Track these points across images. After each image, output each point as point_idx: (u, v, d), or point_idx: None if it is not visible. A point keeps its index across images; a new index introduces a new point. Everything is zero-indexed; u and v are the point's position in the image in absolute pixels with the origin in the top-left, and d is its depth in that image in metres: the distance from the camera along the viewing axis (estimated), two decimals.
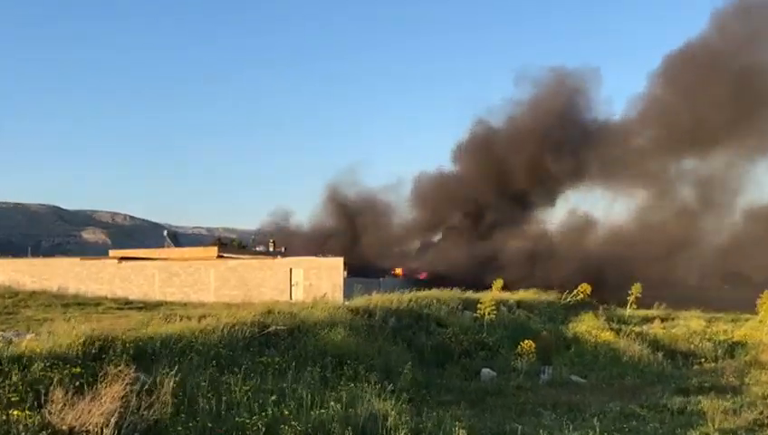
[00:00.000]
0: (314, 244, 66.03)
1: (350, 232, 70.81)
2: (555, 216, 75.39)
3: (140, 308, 32.64)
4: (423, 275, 57.45)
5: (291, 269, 42.32)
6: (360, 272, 47.90)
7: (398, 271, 59.71)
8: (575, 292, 42.03)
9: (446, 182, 73.75)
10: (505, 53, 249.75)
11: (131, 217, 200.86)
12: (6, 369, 11.48)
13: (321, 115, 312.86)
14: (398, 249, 73.28)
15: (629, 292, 39.92)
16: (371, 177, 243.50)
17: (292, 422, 11.84)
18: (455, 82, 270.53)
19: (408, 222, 77.26)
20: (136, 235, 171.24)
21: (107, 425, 10.04)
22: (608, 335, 30.15)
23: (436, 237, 75.85)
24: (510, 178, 67.36)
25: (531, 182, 68.12)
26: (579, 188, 74.12)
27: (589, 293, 41.95)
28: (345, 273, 41.40)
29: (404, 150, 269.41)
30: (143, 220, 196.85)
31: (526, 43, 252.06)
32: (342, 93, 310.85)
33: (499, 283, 41.93)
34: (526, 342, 25.52)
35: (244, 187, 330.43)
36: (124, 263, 48.83)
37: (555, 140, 66.88)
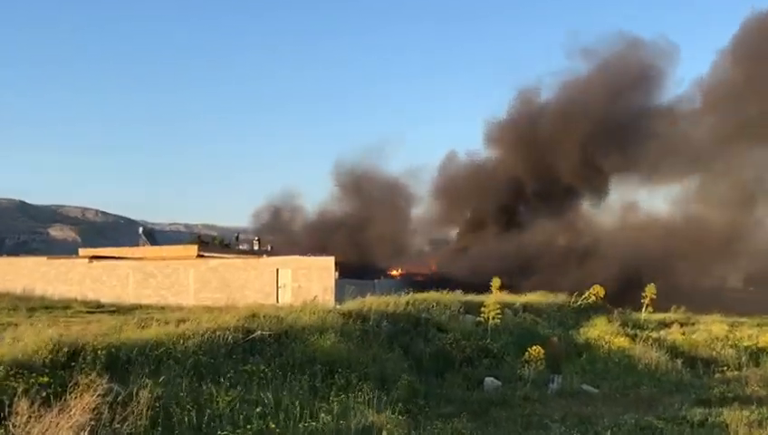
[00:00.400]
0: (316, 235, 65.64)
1: (360, 221, 70.15)
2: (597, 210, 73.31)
3: (113, 312, 32.61)
4: (420, 277, 57.55)
5: (277, 270, 42.27)
6: (353, 273, 47.93)
7: (395, 272, 59.84)
8: (586, 294, 42.03)
9: (476, 170, 72.01)
10: (554, 22, 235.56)
11: (103, 213, 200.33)
12: None
13: (315, 103, 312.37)
14: (413, 242, 72.65)
15: (644, 293, 39.73)
16: (391, 162, 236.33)
17: None
18: (490, 52, 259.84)
19: (429, 213, 76.43)
20: (108, 232, 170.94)
21: None
22: (622, 341, 30.24)
23: (454, 232, 74.95)
24: (553, 167, 65.09)
25: (577, 172, 65.59)
26: (629, 180, 71.56)
27: (602, 295, 41.94)
28: (337, 274, 41.38)
29: (433, 135, 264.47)
30: (116, 216, 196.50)
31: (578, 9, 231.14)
32: (349, 74, 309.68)
33: (497, 283, 41.63)
34: (534, 348, 25.58)
35: (227, 180, 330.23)
36: (95, 262, 48.74)
37: (611, 125, 64.29)
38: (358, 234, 65.96)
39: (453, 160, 77.13)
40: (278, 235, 75.24)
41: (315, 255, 44.66)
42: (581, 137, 63.20)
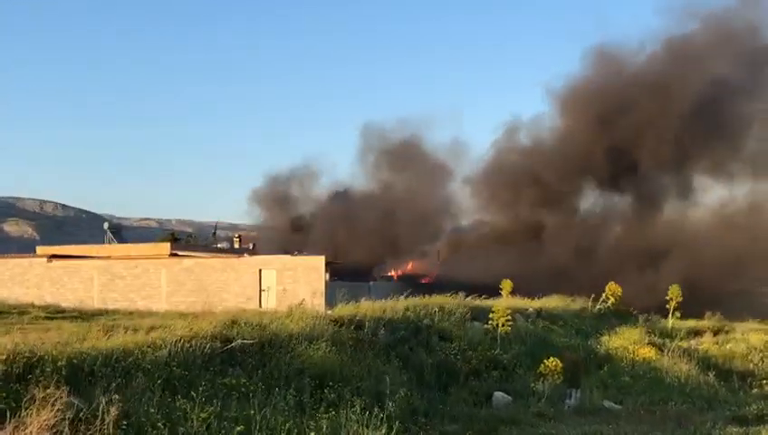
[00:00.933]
0: (336, 215, 65.26)
1: (390, 200, 69.23)
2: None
3: (75, 318, 32.52)
4: (426, 279, 57.52)
5: (260, 270, 42.27)
6: (345, 274, 47.90)
7: (393, 273, 59.86)
8: (603, 296, 41.84)
9: (533, 149, 69.34)
10: None
11: (64, 207, 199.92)
12: None
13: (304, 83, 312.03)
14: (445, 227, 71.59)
15: (668, 297, 39.31)
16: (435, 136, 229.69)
17: None
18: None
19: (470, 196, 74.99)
20: (69, 228, 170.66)
21: None
22: (648, 351, 30.30)
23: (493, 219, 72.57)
24: (632, 148, 61.53)
25: (663, 156, 61.51)
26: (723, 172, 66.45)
27: (620, 296, 41.65)
28: (327, 275, 41.38)
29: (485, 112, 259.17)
30: (78, 210, 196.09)
31: None
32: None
33: (508, 285, 41.39)
34: (549, 359, 25.60)
35: (205, 169, 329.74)
36: (55, 262, 48.66)
37: (704, 100, 60.14)
38: (386, 215, 64.94)
39: (511, 135, 74.26)
40: (279, 218, 74.91)
41: (302, 253, 44.62)
42: (677, 115, 59.50)
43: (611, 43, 73.58)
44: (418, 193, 71.17)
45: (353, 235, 62.18)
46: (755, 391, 26.77)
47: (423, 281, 55.39)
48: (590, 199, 71.27)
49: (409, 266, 66.91)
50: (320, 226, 68.01)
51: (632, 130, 61.17)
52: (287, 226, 74.51)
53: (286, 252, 45.56)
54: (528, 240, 61.74)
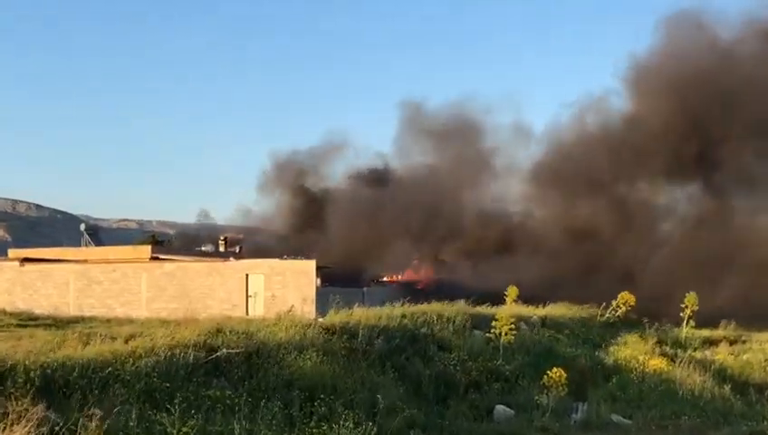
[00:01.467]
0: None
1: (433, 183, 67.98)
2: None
3: (49, 325, 32.50)
4: (421, 285, 57.51)
5: (247, 275, 42.23)
6: (338, 279, 47.92)
7: (388, 278, 59.80)
8: (615, 304, 41.98)
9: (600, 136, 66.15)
10: None
11: (38, 207, 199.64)
12: None
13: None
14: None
15: (683, 305, 39.39)
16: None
17: None
18: None
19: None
20: (43, 229, 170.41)
21: None
22: (659, 363, 30.35)
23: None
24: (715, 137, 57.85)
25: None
26: None
27: (633, 304, 41.81)
28: (318, 280, 41.40)
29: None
30: (53, 211, 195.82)
31: None
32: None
33: (513, 292, 41.50)
34: (555, 370, 25.61)
35: (188, 167, 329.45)
36: (28, 266, 48.62)
37: None
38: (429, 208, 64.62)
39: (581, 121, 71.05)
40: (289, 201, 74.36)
41: (296, 256, 44.55)
42: None
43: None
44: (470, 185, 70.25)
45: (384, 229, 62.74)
46: None
47: (419, 287, 55.27)
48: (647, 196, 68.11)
49: (408, 272, 66.86)
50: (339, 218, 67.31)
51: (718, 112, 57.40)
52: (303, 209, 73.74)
53: (293, 255, 45.10)
54: (569, 241, 60.99)
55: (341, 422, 15.97)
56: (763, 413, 24.81)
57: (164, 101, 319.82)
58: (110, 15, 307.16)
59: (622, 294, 41.97)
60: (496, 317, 29.82)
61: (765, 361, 33.64)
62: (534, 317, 37.23)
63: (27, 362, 14.44)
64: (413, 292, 45.55)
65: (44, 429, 11.40)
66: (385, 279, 62.55)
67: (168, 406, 14.65)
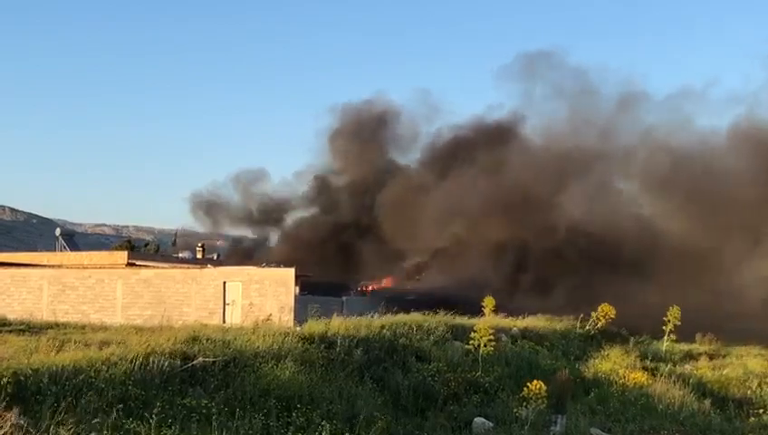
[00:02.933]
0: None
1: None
2: None
3: (23, 331, 32.28)
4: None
5: (224, 283, 42.12)
6: (317, 288, 47.89)
7: (368, 287, 59.77)
8: (595, 316, 42.11)
9: None
10: None
11: (12, 210, 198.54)
12: None
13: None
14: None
15: (666, 318, 39.59)
16: None
17: None
18: None
19: None
20: (18, 233, 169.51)
21: None
22: (640, 376, 30.48)
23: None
24: None
25: None
26: None
27: (613, 316, 41.92)
28: (297, 289, 41.33)
29: None
30: (28, 214, 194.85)
31: None
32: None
33: (490, 303, 41.48)
34: (534, 383, 25.62)
35: (166, 172, 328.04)
36: (1, 270, 48.27)
37: None
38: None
39: None
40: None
41: (271, 265, 44.49)
42: None
43: None
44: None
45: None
46: (753, 420, 26.93)
47: (409, 298, 54.92)
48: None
49: (386, 281, 66.86)
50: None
51: None
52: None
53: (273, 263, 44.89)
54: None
55: (319, 433, 15.92)
56: (742, 429, 24.98)
57: (143, 104, 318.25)
58: (76, 12, 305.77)
59: (602, 306, 42.10)
60: (476, 328, 29.89)
61: (745, 375, 33.82)
62: (514, 329, 37.31)
63: (0, 369, 14.33)
64: (392, 301, 45.45)
65: None
66: (370, 288, 62.53)
67: (144, 414, 14.59)
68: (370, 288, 62.81)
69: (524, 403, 24.81)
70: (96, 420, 13.74)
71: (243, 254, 69.30)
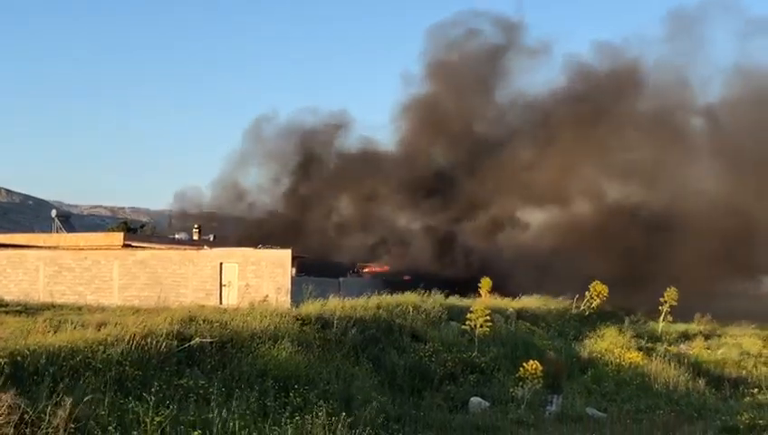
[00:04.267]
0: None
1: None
2: None
3: (19, 312, 32.29)
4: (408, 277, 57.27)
5: (221, 264, 42.08)
6: (314, 269, 47.88)
7: (367, 268, 59.67)
8: (589, 296, 42.01)
9: None
10: None
11: (8, 192, 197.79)
12: None
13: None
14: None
15: (662, 298, 39.63)
16: None
17: None
18: None
19: None
20: (14, 215, 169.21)
21: None
22: (635, 356, 30.57)
23: None
24: None
25: None
26: None
27: (606, 295, 41.84)
28: (294, 270, 41.32)
29: None
30: (24, 196, 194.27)
31: None
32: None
33: (486, 284, 41.52)
34: (530, 363, 25.72)
35: (164, 152, 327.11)
36: None
37: None
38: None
39: None
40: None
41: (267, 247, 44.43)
42: None
43: None
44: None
45: None
46: (747, 399, 26.99)
47: (405, 279, 54.76)
48: None
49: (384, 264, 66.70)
50: None
51: None
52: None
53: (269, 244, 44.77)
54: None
55: (316, 413, 15.97)
56: (737, 408, 25.03)
57: (138, 87, 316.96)
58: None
59: (594, 284, 41.96)
60: (472, 309, 29.93)
61: (740, 355, 33.94)
62: (510, 310, 37.37)
63: None
64: (388, 283, 45.41)
65: (14, 416, 11.32)
66: (366, 270, 62.43)
67: (142, 395, 14.61)
68: (367, 270, 62.72)
69: (521, 383, 24.91)
70: (92, 399, 13.75)
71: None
